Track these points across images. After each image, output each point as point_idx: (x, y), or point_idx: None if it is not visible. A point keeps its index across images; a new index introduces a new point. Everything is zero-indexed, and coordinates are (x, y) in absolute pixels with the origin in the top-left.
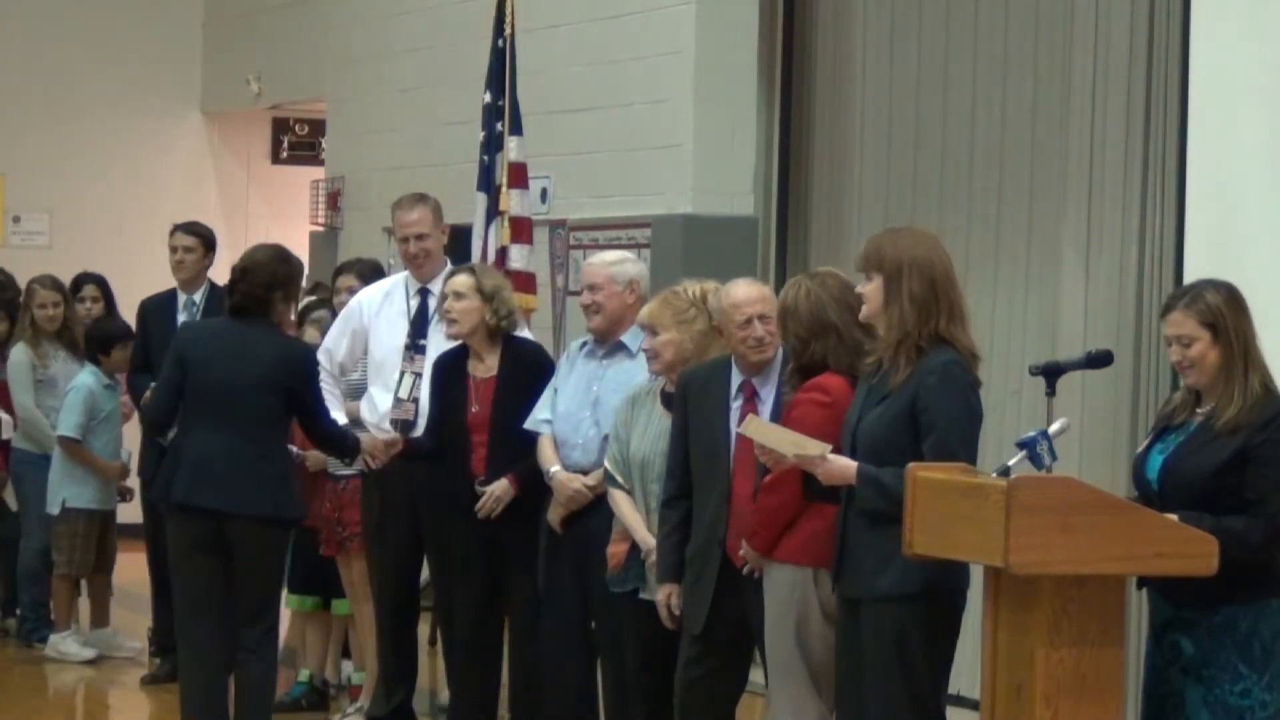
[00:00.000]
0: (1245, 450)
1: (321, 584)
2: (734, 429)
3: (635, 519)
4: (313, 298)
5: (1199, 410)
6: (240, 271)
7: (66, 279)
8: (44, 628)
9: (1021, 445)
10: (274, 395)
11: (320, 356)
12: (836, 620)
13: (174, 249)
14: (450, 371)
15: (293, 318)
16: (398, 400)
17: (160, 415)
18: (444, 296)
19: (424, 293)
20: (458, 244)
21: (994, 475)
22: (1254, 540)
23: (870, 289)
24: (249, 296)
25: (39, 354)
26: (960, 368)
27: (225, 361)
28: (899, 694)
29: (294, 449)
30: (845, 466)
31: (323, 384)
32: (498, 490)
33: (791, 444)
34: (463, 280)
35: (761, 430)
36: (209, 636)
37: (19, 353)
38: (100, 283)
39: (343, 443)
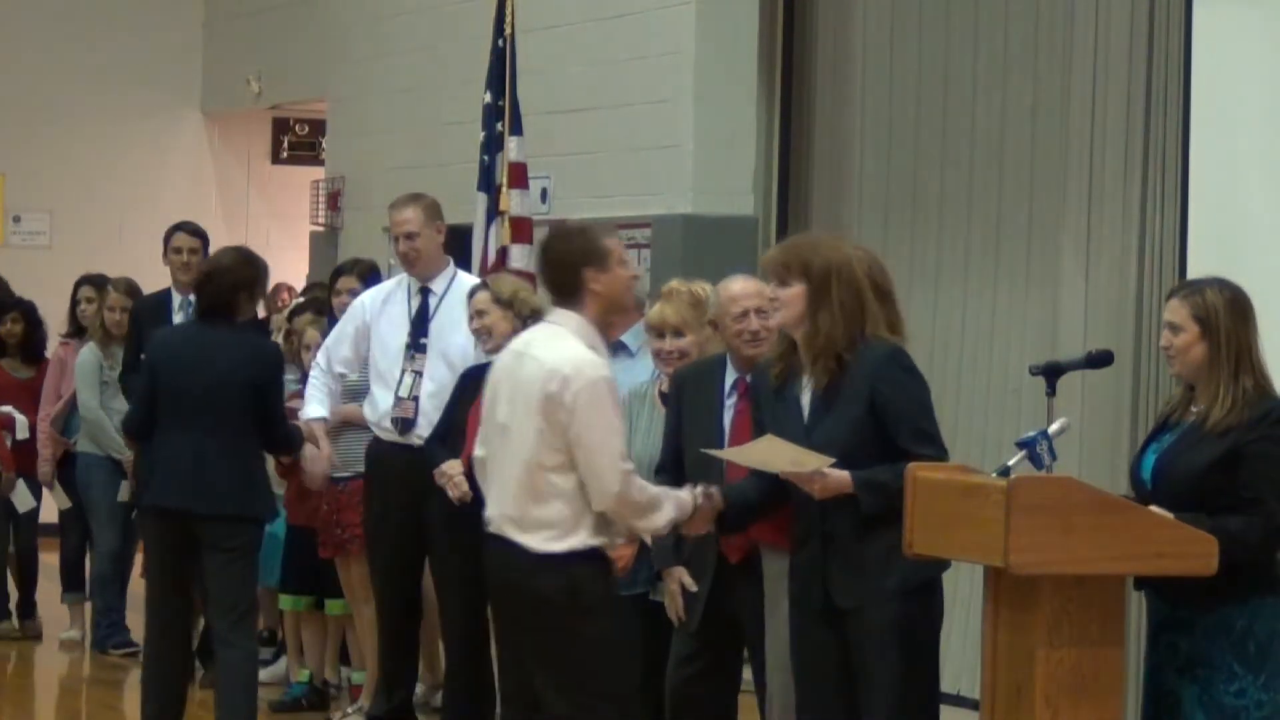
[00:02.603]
0: (1237, 448)
1: (314, 583)
2: (728, 426)
3: None
4: (302, 299)
5: (1193, 409)
6: (206, 276)
7: (66, 279)
8: (117, 633)
9: (1021, 445)
10: (239, 393)
11: (319, 356)
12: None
13: (179, 249)
14: (477, 381)
15: (260, 314)
16: (398, 399)
17: (135, 424)
18: (470, 317)
19: (425, 292)
20: (458, 244)
21: (994, 475)
22: (1252, 540)
23: (789, 295)
24: (216, 300)
25: (107, 355)
26: (905, 354)
27: (190, 366)
28: (908, 684)
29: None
30: (840, 478)
31: (313, 380)
32: (446, 466)
33: (789, 461)
34: (480, 298)
35: (752, 453)
36: (171, 625)
37: (88, 353)
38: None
39: (291, 444)
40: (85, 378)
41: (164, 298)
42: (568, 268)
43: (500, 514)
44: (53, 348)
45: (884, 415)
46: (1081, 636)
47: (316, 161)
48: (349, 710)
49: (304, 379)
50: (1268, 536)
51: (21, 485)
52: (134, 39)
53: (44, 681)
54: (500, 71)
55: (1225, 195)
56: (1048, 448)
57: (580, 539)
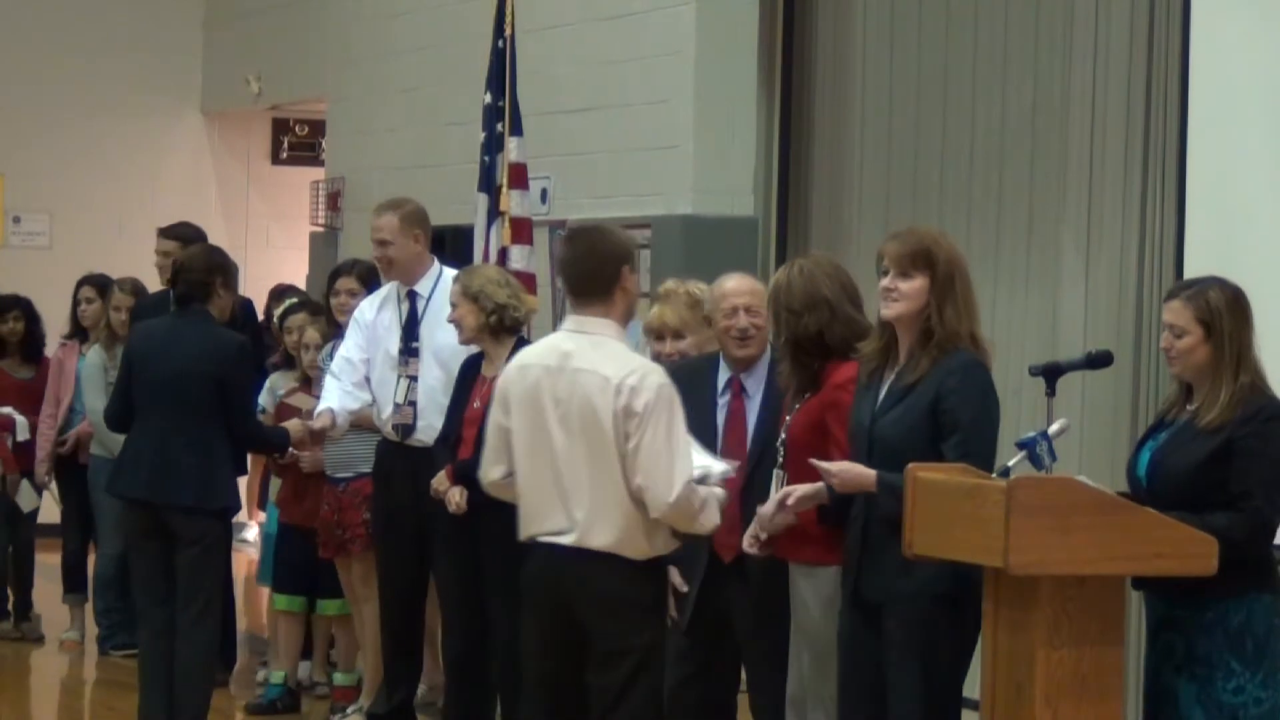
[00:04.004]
0: (1230, 443)
1: (309, 584)
2: (720, 425)
3: None
4: (294, 299)
5: (1188, 407)
6: (179, 265)
7: (66, 279)
8: (118, 634)
9: (1021, 445)
10: (200, 386)
11: (334, 363)
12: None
13: (166, 254)
14: (469, 372)
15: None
16: (396, 405)
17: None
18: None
19: (412, 296)
20: (458, 245)
21: (994, 476)
22: (1239, 536)
23: (911, 287)
24: (190, 284)
25: (111, 356)
26: (983, 370)
27: (160, 357)
28: (924, 693)
29: (290, 450)
30: (861, 475)
31: (339, 385)
32: (435, 482)
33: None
34: (453, 289)
35: None
36: (159, 618)
37: (94, 355)
38: (132, 286)
39: (265, 441)
40: (91, 380)
41: (165, 297)
42: (611, 262)
43: (568, 528)
44: (53, 349)
45: (940, 420)
46: (1081, 636)
47: (316, 161)
48: (349, 710)
49: (304, 379)
50: (1254, 533)
51: (25, 485)
52: (133, 39)
53: (44, 682)
54: (500, 72)
55: (1223, 195)
56: (1047, 448)
57: (658, 546)
